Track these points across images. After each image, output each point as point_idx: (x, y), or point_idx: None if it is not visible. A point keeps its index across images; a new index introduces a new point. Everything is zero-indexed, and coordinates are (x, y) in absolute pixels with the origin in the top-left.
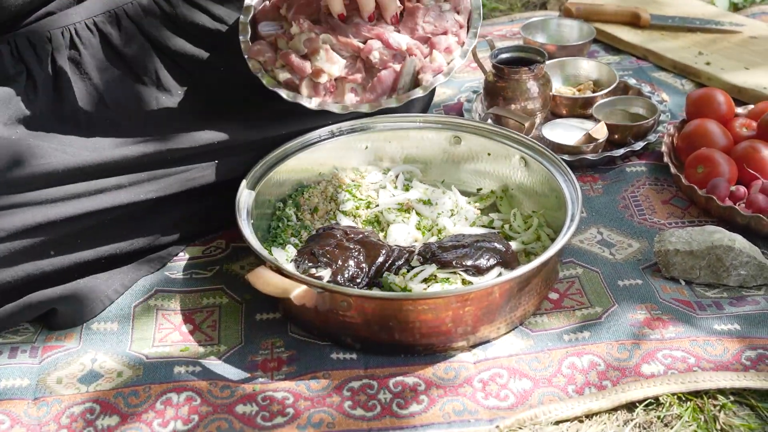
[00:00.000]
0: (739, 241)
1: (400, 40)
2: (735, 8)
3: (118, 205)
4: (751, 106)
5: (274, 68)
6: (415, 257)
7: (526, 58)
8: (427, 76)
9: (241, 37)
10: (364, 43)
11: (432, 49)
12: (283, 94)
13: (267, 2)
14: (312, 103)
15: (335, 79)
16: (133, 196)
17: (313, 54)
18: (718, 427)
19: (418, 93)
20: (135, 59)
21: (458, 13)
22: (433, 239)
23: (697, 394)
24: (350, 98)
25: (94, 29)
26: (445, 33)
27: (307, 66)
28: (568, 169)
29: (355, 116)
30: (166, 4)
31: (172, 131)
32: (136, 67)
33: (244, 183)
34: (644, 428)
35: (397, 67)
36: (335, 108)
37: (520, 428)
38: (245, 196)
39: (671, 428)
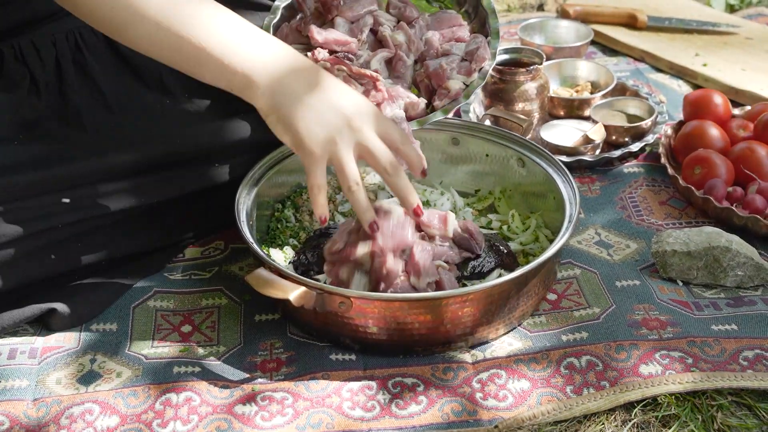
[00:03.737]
0: (737, 242)
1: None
2: (731, 9)
3: (119, 210)
4: (748, 108)
5: None
6: None
7: (523, 59)
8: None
9: None
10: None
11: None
12: None
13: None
14: None
15: None
16: (134, 200)
17: None
18: (716, 427)
19: (438, 116)
20: (140, 63)
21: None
22: None
23: (694, 394)
24: None
25: (100, 33)
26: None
27: None
28: (566, 170)
29: None
30: None
31: (175, 135)
32: (141, 71)
33: (243, 184)
34: (642, 428)
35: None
36: None
37: (518, 429)
38: (244, 198)
39: (669, 428)
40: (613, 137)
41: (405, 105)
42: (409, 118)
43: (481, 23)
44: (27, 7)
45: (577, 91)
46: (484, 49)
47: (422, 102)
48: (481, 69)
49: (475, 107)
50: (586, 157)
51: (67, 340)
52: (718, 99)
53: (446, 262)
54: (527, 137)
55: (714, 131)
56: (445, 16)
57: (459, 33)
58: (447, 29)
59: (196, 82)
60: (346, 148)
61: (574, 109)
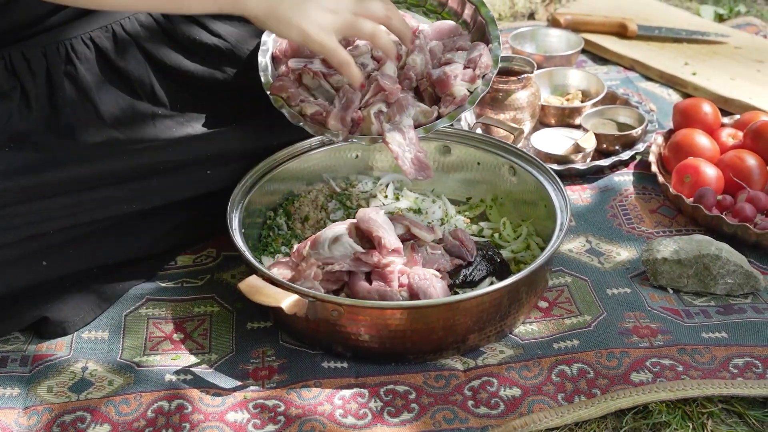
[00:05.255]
0: (726, 250)
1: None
2: (720, 19)
3: (110, 217)
4: (737, 116)
5: (300, 103)
6: None
7: (514, 68)
8: (447, 109)
9: (261, 74)
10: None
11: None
12: (309, 128)
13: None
14: (339, 137)
15: (359, 108)
16: (125, 207)
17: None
18: None
19: (445, 122)
20: (131, 74)
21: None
22: None
23: (685, 401)
24: (376, 127)
25: (91, 44)
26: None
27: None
28: (557, 178)
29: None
30: (164, 19)
31: (166, 144)
32: (132, 82)
33: (235, 192)
34: None
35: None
36: (364, 140)
37: None
38: (236, 206)
39: None
40: (604, 146)
41: (417, 113)
42: (417, 126)
43: (480, 33)
44: (15, 17)
45: (567, 100)
46: (486, 56)
47: (435, 110)
48: (484, 76)
49: (467, 116)
50: (576, 166)
51: (58, 348)
52: (708, 108)
53: (438, 270)
54: (518, 145)
55: (703, 140)
56: (445, 26)
57: (460, 42)
58: (448, 39)
59: (187, 93)
60: (351, 17)
61: (564, 118)
